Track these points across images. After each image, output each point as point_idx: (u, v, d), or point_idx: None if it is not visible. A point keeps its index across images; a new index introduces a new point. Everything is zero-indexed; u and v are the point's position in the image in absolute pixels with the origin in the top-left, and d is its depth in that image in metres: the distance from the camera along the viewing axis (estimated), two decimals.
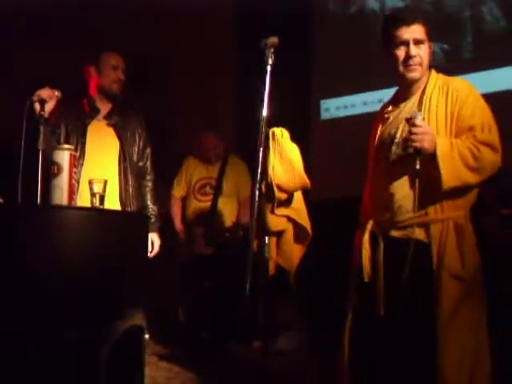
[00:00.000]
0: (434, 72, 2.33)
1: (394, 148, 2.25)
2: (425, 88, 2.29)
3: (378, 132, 2.37)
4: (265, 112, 2.06)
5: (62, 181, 2.15)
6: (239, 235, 4.08)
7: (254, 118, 2.10)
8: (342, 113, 4.76)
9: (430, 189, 2.13)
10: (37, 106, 2.55)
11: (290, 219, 2.29)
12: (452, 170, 2.10)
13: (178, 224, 4.25)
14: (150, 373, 3.35)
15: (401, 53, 2.26)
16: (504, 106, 4.18)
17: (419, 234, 2.18)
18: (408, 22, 2.24)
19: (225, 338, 4.04)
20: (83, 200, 2.34)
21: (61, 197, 2.14)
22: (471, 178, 2.14)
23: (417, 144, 2.10)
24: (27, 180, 2.38)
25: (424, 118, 2.17)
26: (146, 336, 2.22)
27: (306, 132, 4.78)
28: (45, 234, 1.95)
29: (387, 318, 2.18)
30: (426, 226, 2.19)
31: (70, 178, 2.17)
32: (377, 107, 4.21)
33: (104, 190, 2.21)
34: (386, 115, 2.38)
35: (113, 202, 2.90)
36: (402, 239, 2.20)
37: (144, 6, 4.88)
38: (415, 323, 2.14)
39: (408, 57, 2.24)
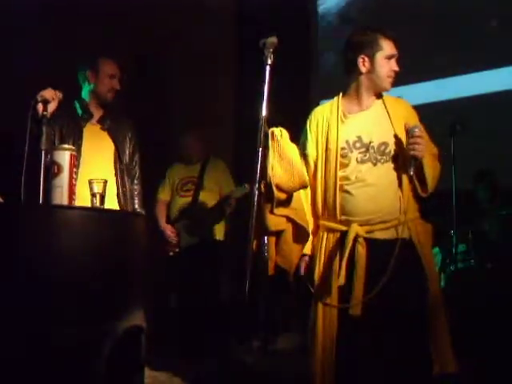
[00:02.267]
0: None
1: (371, 151, 2.37)
2: (383, 101, 2.47)
3: (334, 134, 2.42)
4: (264, 112, 2.07)
5: (63, 181, 2.15)
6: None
7: (254, 117, 2.10)
8: None
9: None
10: (40, 107, 2.56)
11: (289, 219, 2.29)
12: (431, 178, 2.35)
13: (162, 223, 4.32)
14: (150, 372, 3.35)
15: (389, 65, 2.41)
16: (504, 106, 4.19)
17: (403, 232, 2.32)
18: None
19: (220, 336, 4.06)
20: (80, 201, 2.34)
21: (61, 197, 2.14)
22: (433, 186, 2.39)
23: (419, 153, 2.27)
24: (29, 180, 2.39)
25: (394, 130, 2.38)
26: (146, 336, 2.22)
27: None
28: (45, 234, 1.95)
29: (370, 316, 2.25)
30: (405, 225, 2.34)
31: (71, 178, 2.17)
32: None
33: (104, 190, 2.21)
34: (343, 117, 2.45)
35: (111, 204, 2.92)
36: (385, 239, 2.32)
37: (144, 5, 4.88)
38: (408, 312, 2.25)
39: (392, 70, 2.42)
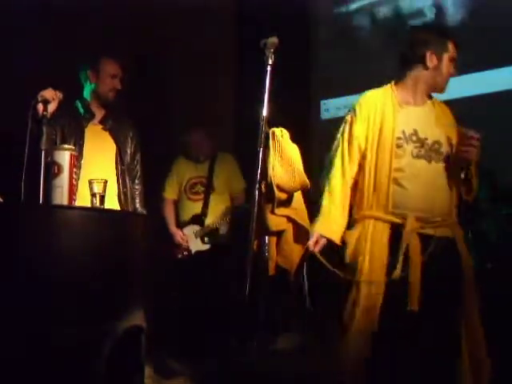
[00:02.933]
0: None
1: (426, 148, 2.36)
2: (433, 104, 2.48)
3: (391, 122, 2.39)
4: (265, 112, 2.07)
5: (63, 181, 2.15)
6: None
7: (254, 118, 2.10)
8: (342, 113, 4.74)
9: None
10: (40, 107, 2.56)
11: (289, 219, 2.30)
12: (476, 183, 2.39)
13: (172, 227, 4.23)
14: (150, 372, 3.35)
15: (451, 67, 2.43)
16: (504, 106, 4.19)
17: (448, 232, 2.35)
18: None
19: (222, 336, 4.05)
20: (82, 201, 2.35)
21: (61, 197, 2.14)
22: (476, 191, 2.44)
23: (474, 157, 2.30)
24: (29, 180, 2.39)
25: (444, 131, 2.40)
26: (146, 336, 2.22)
27: (306, 132, 4.78)
28: (45, 234, 1.95)
29: (421, 314, 2.23)
30: (450, 226, 2.38)
31: (71, 178, 2.17)
32: None
33: (104, 190, 2.21)
34: (398, 107, 2.42)
35: (112, 204, 2.92)
36: (432, 236, 2.31)
37: (144, 5, 4.88)
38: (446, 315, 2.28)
39: (451, 75, 2.44)
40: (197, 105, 5.27)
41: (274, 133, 2.24)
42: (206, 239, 4.18)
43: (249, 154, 2.18)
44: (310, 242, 2.35)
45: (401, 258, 2.26)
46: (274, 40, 2.08)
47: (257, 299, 2.06)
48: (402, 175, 2.34)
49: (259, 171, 2.05)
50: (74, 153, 2.22)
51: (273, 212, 2.25)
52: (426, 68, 2.41)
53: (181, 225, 4.24)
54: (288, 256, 2.33)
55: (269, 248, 2.25)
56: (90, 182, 2.20)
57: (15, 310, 1.89)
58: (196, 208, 4.20)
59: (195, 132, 4.33)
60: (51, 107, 2.60)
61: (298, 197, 2.32)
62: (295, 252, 2.34)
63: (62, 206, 2.13)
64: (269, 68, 2.08)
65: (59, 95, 2.66)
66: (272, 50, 2.09)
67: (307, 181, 2.30)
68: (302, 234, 2.34)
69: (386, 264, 2.28)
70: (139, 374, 2.20)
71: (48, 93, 2.60)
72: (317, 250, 2.35)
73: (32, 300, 1.89)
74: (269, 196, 2.22)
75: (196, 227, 4.18)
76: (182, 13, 5.05)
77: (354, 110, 2.47)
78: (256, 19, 4.85)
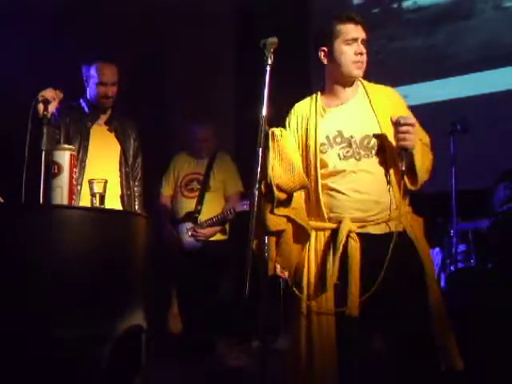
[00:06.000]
0: (365, 81, 2.41)
1: (353, 146, 2.28)
2: (366, 91, 2.36)
3: (318, 128, 2.34)
4: (264, 112, 2.06)
5: (62, 181, 2.14)
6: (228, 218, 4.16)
7: (254, 117, 2.10)
8: None
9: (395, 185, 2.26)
10: (40, 107, 2.56)
11: (289, 219, 2.29)
12: (422, 170, 2.22)
13: (165, 225, 4.25)
14: (150, 373, 3.35)
15: (350, 49, 2.28)
16: (504, 106, 4.19)
17: (396, 227, 2.24)
18: (357, 22, 2.30)
19: (219, 335, 4.07)
20: (85, 202, 2.35)
21: (61, 197, 2.14)
22: (425, 178, 2.27)
23: (409, 143, 2.14)
24: (29, 180, 2.39)
25: (378, 121, 2.27)
26: (146, 336, 2.22)
27: None
28: (45, 234, 1.95)
29: (369, 315, 2.19)
30: (398, 219, 2.26)
31: (71, 178, 2.16)
32: None
33: (104, 190, 2.21)
34: (322, 113, 2.37)
35: (115, 205, 2.93)
36: (378, 234, 2.26)
37: (144, 6, 4.88)
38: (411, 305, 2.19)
39: (358, 53, 2.28)
40: (197, 104, 5.28)
41: (273, 133, 2.24)
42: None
43: (248, 154, 2.18)
44: (270, 271, 2.34)
45: (336, 261, 2.21)
46: (273, 40, 2.08)
47: (256, 299, 2.06)
48: (333, 179, 2.30)
49: (259, 171, 2.04)
50: (73, 153, 2.21)
51: (272, 212, 2.25)
52: (325, 66, 2.36)
53: (175, 222, 4.26)
54: (287, 256, 2.32)
55: (268, 248, 2.24)
56: (90, 182, 2.20)
57: (15, 310, 1.89)
58: (190, 205, 4.22)
59: (203, 128, 4.32)
60: (51, 107, 2.60)
61: (297, 197, 2.31)
62: (294, 252, 2.34)
63: (61, 206, 2.12)
64: (268, 68, 2.08)
65: (59, 95, 2.66)
66: (271, 50, 2.09)
67: (307, 181, 2.29)
68: (301, 234, 2.33)
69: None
70: (139, 374, 2.20)
71: (48, 93, 2.61)
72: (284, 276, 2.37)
73: (32, 300, 1.89)
74: (268, 196, 2.22)
75: (190, 224, 4.19)
76: (182, 13, 5.06)
77: (285, 122, 2.46)
78: (256, 19, 4.85)
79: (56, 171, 2.15)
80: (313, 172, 2.32)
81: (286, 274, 2.34)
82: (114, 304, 2.03)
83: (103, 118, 3.16)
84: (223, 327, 4.13)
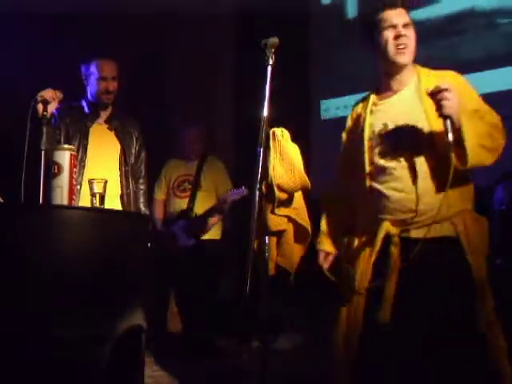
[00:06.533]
0: (419, 66, 2.27)
1: (397, 141, 2.16)
2: (419, 80, 2.21)
3: (367, 124, 2.26)
4: (265, 112, 2.06)
5: (62, 181, 2.15)
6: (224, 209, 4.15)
7: (253, 117, 2.10)
8: (342, 113, 4.75)
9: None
10: (40, 107, 2.56)
11: (290, 219, 2.29)
12: (473, 145, 1.96)
13: (159, 225, 4.30)
14: (150, 372, 3.35)
15: (389, 34, 2.17)
16: (504, 106, 4.19)
17: (446, 229, 2.08)
18: (395, 6, 2.20)
19: (218, 334, 4.07)
20: (85, 202, 2.35)
21: (61, 197, 2.14)
22: (486, 159, 2.02)
23: (448, 110, 1.95)
24: (29, 180, 2.39)
25: (426, 112, 2.11)
26: (146, 336, 2.22)
27: (307, 132, 4.78)
28: (45, 234, 1.95)
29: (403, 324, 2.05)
30: (449, 220, 2.08)
31: (71, 178, 2.17)
32: None
33: (104, 190, 2.21)
34: (373, 107, 2.28)
35: (115, 205, 2.92)
36: (421, 239, 2.05)
37: (144, 6, 4.88)
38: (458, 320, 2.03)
39: (397, 36, 2.16)
40: (197, 104, 5.28)
41: (274, 133, 2.24)
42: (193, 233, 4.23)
43: (249, 153, 2.18)
44: (321, 259, 2.36)
45: (367, 268, 2.15)
46: (274, 40, 2.08)
47: (257, 299, 2.06)
48: (378, 178, 2.20)
49: (259, 171, 2.04)
50: (73, 153, 2.21)
51: (273, 212, 2.25)
52: (377, 58, 2.26)
53: (169, 222, 4.30)
54: (288, 256, 2.32)
55: (269, 248, 2.24)
56: (90, 182, 2.20)
57: (15, 309, 1.89)
58: (183, 204, 4.27)
59: (190, 129, 4.38)
60: (51, 107, 2.60)
61: (298, 197, 2.31)
62: (295, 252, 2.34)
63: (61, 206, 2.12)
64: (269, 68, 2.08)
65: (59, 95, 2.66)
66: (272, 50, 2.08)
67: (308, 181, 2.29)
68: (302, 234, 2.33)
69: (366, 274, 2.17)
70: (139, 374, 2.20)
71: (47, 93, 2.61)
72: (326, 266, 2.36)
73: (32, 300, 1.89)
74: (269, 196, 2.21)
75: (183, 223, 4.23)
76: (181, 13, 5.05)
77: (346, 123, 2.42)
78: (256, 19, 4.85)
79: (56, 171, 2.15)
80: (361, 168, 2.22)
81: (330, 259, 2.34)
82: (113, 304, 2.03)
83: (103, 116, 3.16)
84: (223, 327, 4.13)
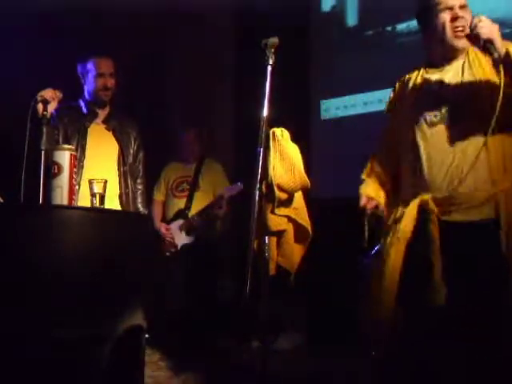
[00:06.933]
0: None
1: (443, 111, 2.06)
2: (468, 56, 2.12)
3: (413, 93, 2.18)
4: (265, 112, 2.07)
5: (62, 181, 2.14)
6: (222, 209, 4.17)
7: (253, 118, 2.10)
8: (342, 113, 4.76)
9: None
10: (40, 107, 2.57)
11: (290, 219, 2.29)
12: None
13: (157, 223, 4.34)
14: (150, 372, 3.35)
15: (446, 16, 2.09)
16: None
17: (489, 211, 1.96)
18: None
19: (220, 336, 4.08)
20: (83, 202, 2.35)
21: (61, 197, 2.14)
22: None
23: (484, 30, 1.90)
24: (29, 180, 2.39)
25: (476, 82, 2.04)
26: (146, 336, 2.22)
27: (306, 132, 4.78)
28: (45, 234, 1.95)
29: (446, 309, 1.95)
30: (493, 198, 1.96)
31: (71, 178, 2.16)
32: (377, 107, 4.20)
33: (104, 190, 2.20)
34: (424, 74, 2.18)
35: (114, 205, 2.92)
36: (462, 223, 1.98)
37: (144, 6, 4.88)
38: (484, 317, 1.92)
39: (454, 18, 2.08)
40: (197, 105, 5.28)
41: (274, 133, 2.24)
42: (190, 232, 4.25)
43: (249, 153, 2.18)
44: (363, 201, 2.23)
45: (398, 251, 2.03)
46: (274, 40, 2.09)
47: (257, 299, 2.06)
48: (420, 149, 2.09)
49: (260, 171, 2.04)
50: (73, 153, 2.21)
51: (273, 212, 2.25)
52: (427, 44, 2.21)
53: (167, 222, 4.34)
54: (288, 256, 2.33)
55: (269, 248, 2.24)
56: (90, 182, 2.20)
57: (15, 310, 1.89)
58: (181, 204, 4.32)
59: (187, 131, 4.43)
60: (51, 107, 2.60)
61: (298, 197, 2.31)
62: (296, 252, 2.34)
63: (61, 206, 2.12)
64: (269, 68, 2.08)
65: (59, 95, 2.66)
66: (272, 50, 2.09)
67: (308, 181, 2.30)
68: (302, 234, 2.34)
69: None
70: (139, 374, 2.20)
71: (47, 93, 2.61)
72: (370, 208, 2.21)
73: (32, 300, 1.89)
74: (269, 196, 2.22)
75: (180, 221, 4.26)
76: (181, 13, 5.05)
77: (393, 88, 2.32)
78: (256, 19, 4.85)
79: (56, 171, 2.15)
80: (404, 137, 2.14)
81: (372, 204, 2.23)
82: (113, 304, 2.03)
83: (101, 116, 3.15)
84: (223, 327, 4.13)
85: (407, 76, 2.28)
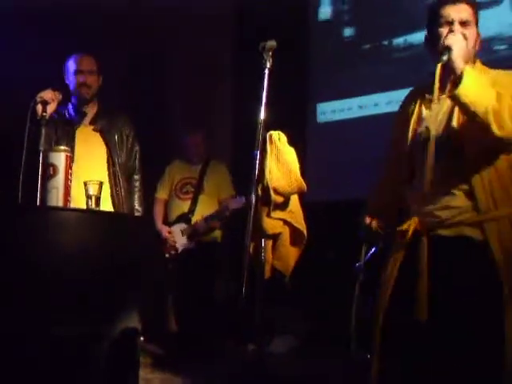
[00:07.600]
0: (479, 63, 2.10)
1: (434, 145, 2.04)
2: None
3: (418, 115, 2.13)
4: (262, 115, 2.07)
5: (58, 182, 2.15)
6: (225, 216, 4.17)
7: (253, 118, 2.10)
8: (339, 116, 4.76)
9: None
10: (39, 108, 2.56)
11: (286, 222, 2.29)
12: (476, 93, 1.83)
13: (159, 224, 4.30)
14: (145, 375, 3.35)
15: (444, 31, 2.00)
16: None
17: (472, 232, 1.98)
18: (455, 1, 2.04)
19: (218, 336, 4.08)
20: (73, 204, 2.33)
21: (56, 198, 2.14)
22: (486, 113, 1.84)
23: (449, 40, 1.89)
24: (27, 181, 2.39)
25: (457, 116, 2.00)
26: (141, 338, 2.23)
27: (303, 135, 4.78)
28: (43, 234, 1.96)
29: (432, 324, 1.97)
30: (479, 225, 1.97)
31: (66, 179, 2.16)
32: (373, 111, 4.20)
33: (99, 192, 2.20)
34: (427, 104, 2.11)
35: (105, 206, 2.89)
36: (451, 237, 2.00)
37: (144, 6, 4.88)
38: (477, 330, 1.92)
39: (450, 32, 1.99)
40: (196, 106, 5.28)
41: (271, 136, 2.24)
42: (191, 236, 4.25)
43: (246, 156, 2.19)
44: (367, 222, 2.28)
45: (394, 267, 2.09)
46: (272, 43, 2.08)
47: (253, 302, 2.06)
48: (415, 179, 2.12)
49: (256, 174, 2.05)
50: (69, 154, 2.21)
51: (269, 215, 2.25)
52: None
53: (169, 223, 4.31)
54: (284, 259, 2.33)
55: (265, 251, 2.24)
56: (86, 184, 2.20)
57: (14, 310, 1.89)
58: (184, 206, 4.28)
59: (194, 133, 4.39)
60: (50, 108, 2.60)
61: (294, 200, 2.31)
62: (291, 255, 2.34)
63: (57, 208, 2.13)
64: (267, 71, 2.08)
65: (58, 96, 2.66)
66: (270, 54, 2.09)
67: (304, 184, 2.29)
68: (298, 237, 2.34)
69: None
70: (134, 376, 2.20)
71: (47, 94, 2.61)
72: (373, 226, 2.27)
73: (29, 300, 1.90)
74: (265, 199, 2.22)
75: (183, 225, 4.22)
76: (181, 13, 5.06)
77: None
78: (256, 20, 4.86)
79: (52, 173, 2.15)
80: (404, 168, 2.16)
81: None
82: (110, 305, 2.04)
83: (89, 116, 3.12)
84: (220, 328, 4.14)
85: (409, 100, 2.23)
